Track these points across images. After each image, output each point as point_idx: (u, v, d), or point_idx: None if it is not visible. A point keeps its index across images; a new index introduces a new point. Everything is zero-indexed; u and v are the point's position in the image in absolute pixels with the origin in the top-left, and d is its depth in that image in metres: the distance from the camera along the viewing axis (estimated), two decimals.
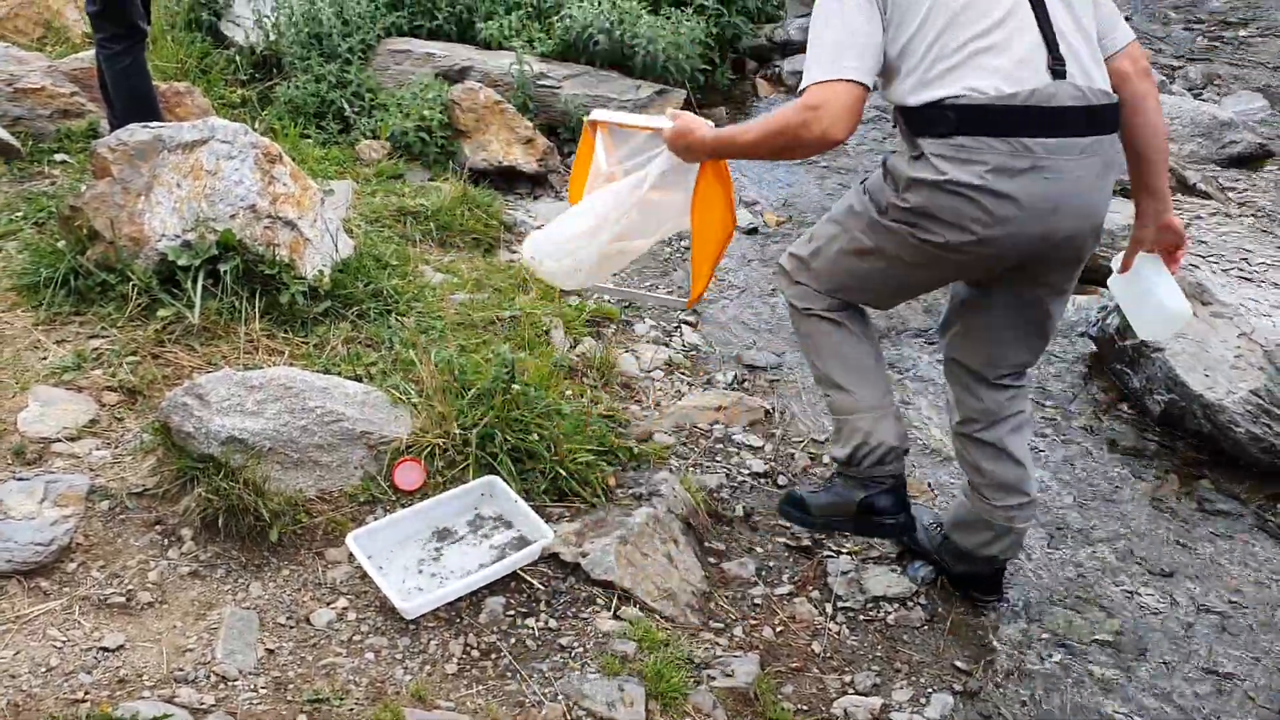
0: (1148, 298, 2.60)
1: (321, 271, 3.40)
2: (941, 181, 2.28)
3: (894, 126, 2.49)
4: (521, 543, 2.66)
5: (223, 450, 2.66)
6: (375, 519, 2.69)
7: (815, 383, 2.78)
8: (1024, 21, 2.27)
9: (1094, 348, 3.87)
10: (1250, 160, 5.26)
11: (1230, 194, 4.96)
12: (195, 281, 3.21)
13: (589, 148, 2.84)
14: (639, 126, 2.78)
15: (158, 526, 2.59)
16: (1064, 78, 2.25)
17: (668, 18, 5.62)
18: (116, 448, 2.79)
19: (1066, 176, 2.27)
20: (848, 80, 2.26)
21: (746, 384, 3.78)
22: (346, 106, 5.02)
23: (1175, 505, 3.28)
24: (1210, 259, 4.43)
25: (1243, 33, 6.82)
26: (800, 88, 2.33)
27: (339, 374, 3.02)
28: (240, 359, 3.11)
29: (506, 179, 4.93)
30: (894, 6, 2.30)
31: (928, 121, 2.28)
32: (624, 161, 2.77)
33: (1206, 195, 4.89)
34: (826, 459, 3.22)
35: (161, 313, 3.16)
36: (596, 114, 2.87)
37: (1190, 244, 4.51)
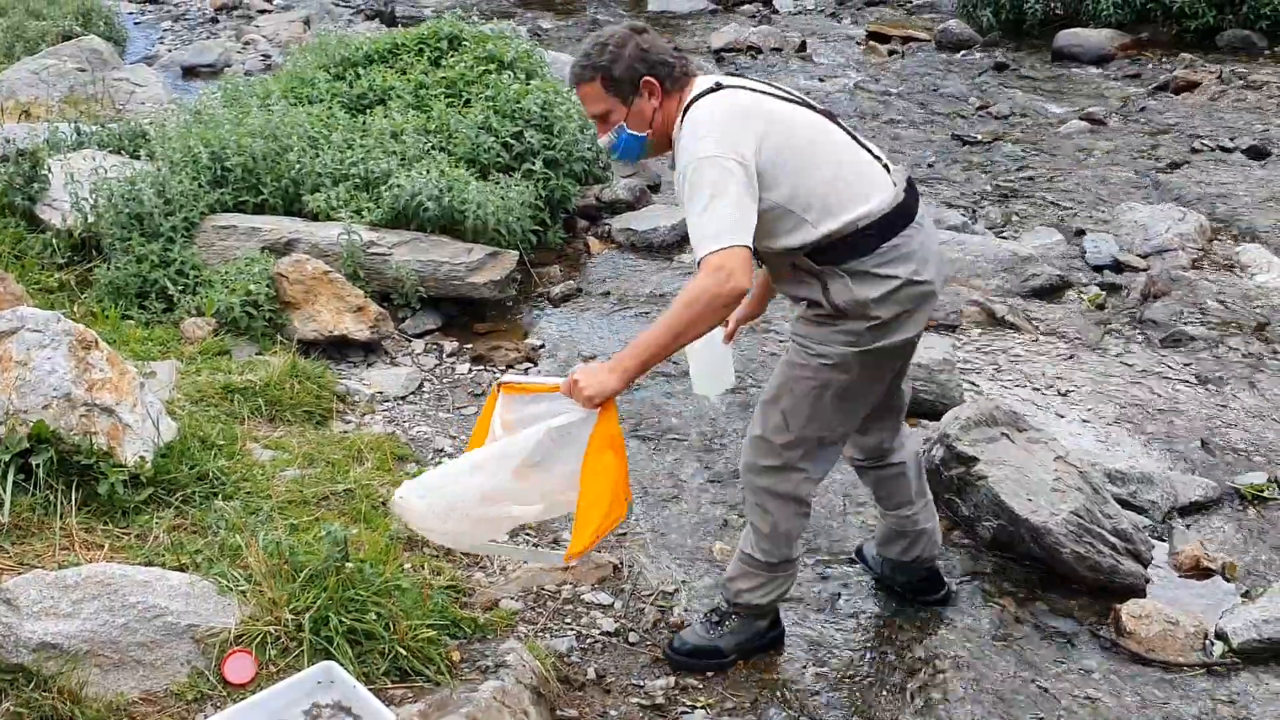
0: (721, 363, 3.28)
1: (143, 457, 3.28)
2: (904, 282, 2.70)
3: (793, 272, 2.80)
4: None
5: (34, 658, 2.50)
6: (205, 718, 2.54)
7: (758, 545, 3.02)
8: (855, 146, 2.82)
9: None
10: (1051, 291, 5.61)
11: (1036, 324, 5.27)
12: (5, 477, 3.05)
13: (490, 410, 2.82)
14: (546, 388, 2.78)
15: None
16: (889, 172, 2.82)
17: (496, 183, 5.74)
18: None
19: (933, 242, 2.85)
20: (743, 245, 2.57)
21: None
22: (170, 285, 4.92)
23: (1014, 628, 3.36)
24: (1022, 386, 4.67)
25: (1033, 174, 7.35)
26: (701, 252, 2.59)
27: (162, 565, 2.89)
28: (55, 556, 2.94)
29: (339, 348, 4.88)
30: (772, 165, 2.65)
31: (851, 246, 2.68)
32: (519, 427, 2.73)
33: (1015, 326, 5.18)
34: (721, 600, 3.23)
35: None
36: (506, 378, 2.87)
37: (1003, 373, 4.76)
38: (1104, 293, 5.59)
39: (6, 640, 2.50)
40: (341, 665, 2.64)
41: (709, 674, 3.12)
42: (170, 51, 10.77)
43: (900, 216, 2.74)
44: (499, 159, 6.03)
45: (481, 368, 4.93)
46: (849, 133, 2.86)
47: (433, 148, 5.93)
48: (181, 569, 2.89)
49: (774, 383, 2.93)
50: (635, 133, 2.80)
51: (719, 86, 2.77)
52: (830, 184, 2.69)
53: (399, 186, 5.40)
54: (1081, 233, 6.28)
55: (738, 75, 2.85)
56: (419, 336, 5.18)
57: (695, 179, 2.60)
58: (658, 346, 2.65)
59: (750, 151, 2.62)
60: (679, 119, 2.75)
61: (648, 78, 2.74)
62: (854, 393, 2.85)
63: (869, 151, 2.84)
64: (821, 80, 9.69)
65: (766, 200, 2.65)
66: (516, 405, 2.80)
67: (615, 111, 2.78)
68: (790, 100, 2.84)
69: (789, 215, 2.67)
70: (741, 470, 3.06)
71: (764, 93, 2.81)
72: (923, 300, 2.78)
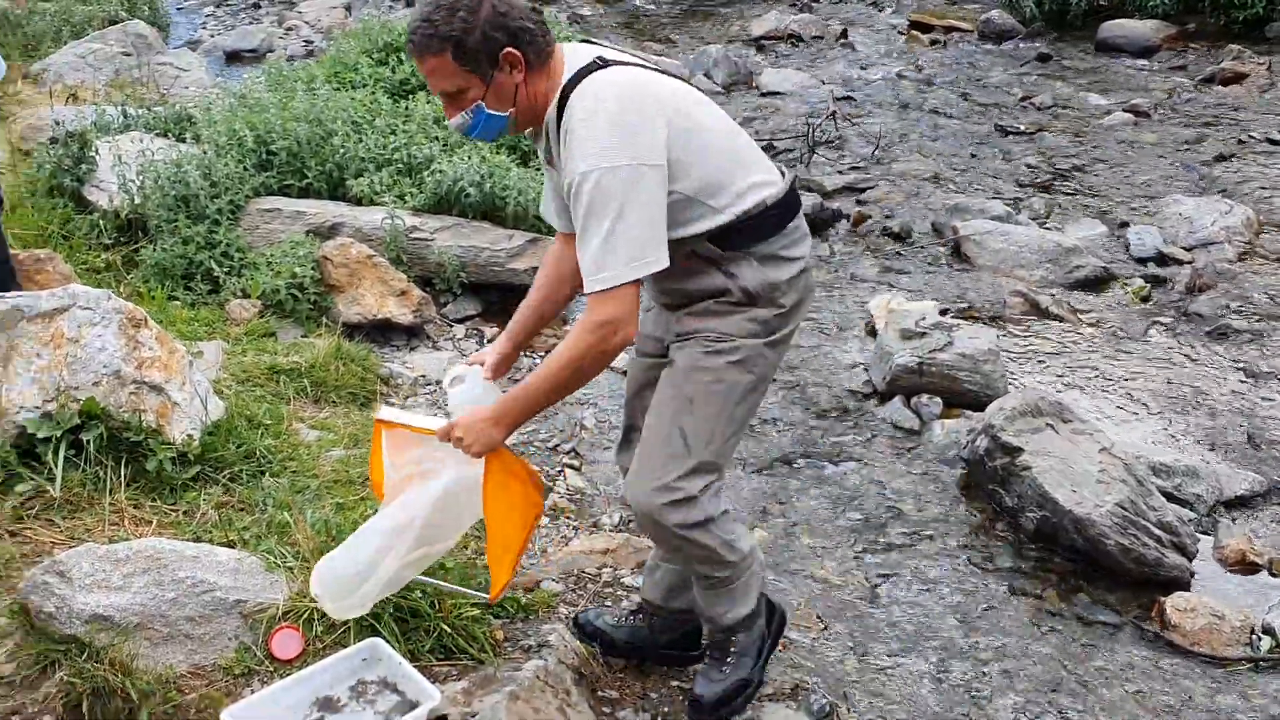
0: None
1: (191, 435, 3.31)
2: (805, 266, 2.51)
3: (690, 261, 2.46)
4: (408, 706, 2.56)
5: (87, 629, 2.53)
6: (252, 691, 2.57)
7: (709, 572, 2.67)
8: (736, 124, 2.58)
9: (965, 469, 3.98)
10: (1096, 283, 5.56)
11: (1080, 315, 5.22)
12: (56, 453, 3.10)
13: (379, 446, 2.63)
14: (424, 430, 2.54)
15: (15, 717, 2.43)
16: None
17: (537, 169, 5.75)
18: None
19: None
20: (635, 281, 2.26)
21: (633, 524, 3.77)
22: (215, 267, 4.97)
23: (1056, 620, 3.34)
24: (1066, 378, 4.64)
25: (1076, 165, 7.28)
26: (594, 286, 2.27)
27: (210, 541, 2.92)
28: (105, 531, 2.98)
29: (382, 331, 4.92)
30: (681, 154, 2.33)
31: (756, 229, 2.44)
32: (421, 462, 2.55)
33: (1059, 318, 5.14)
34: (712, 635, 2.89)
35: (20, 488, 3.03)
36: (384, 413, 2.63)
37: (1047, 364, 4.72)
38: (1148, 285, 5.54)
39: (60, 611, 2.54)
40: (387, 642, 2.66)
41: None
42: (213, 37, 10.86)
43: (794, 196, 2.54)
44: None
45: (521, 353, 4.94)
46: None
47: None
48: (229, 545, 2.92)
49: (664, 400, 2.53)
50: (496, 113, 2.37)
51: (605, 62, 2.38)
52: (731, 166, 2.44)
53: (441, 172, 5.43)
54: (1125, 225, 6.22)
55: (596, 42, 2.57)
56: (460, 322, 5.21)
57: (600, 193, 2.23)
58: (540, 399, 2.42)
59: (662, 147, 2.30)
60: (556, 99, 2.37)
61: (510, 49, 2.30)
62: (752, 400, 2.56)
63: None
64: (863, 69, 9.63)
65: (673, 193, 2.34)
66: (401, 446, 2.60)
67: (472, 89, 2.33)
68: (670, 75, 2.52)
69: (694, 204, 2.38)
70: (640, 521, 2.61)
71: (648, 67, 2.47)
72: (812, 285, 2.61)
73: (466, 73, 2.31)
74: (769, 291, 2.46)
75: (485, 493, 2.48)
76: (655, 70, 2.48)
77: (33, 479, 3.04)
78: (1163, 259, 5.81)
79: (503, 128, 2.41)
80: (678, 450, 2.47)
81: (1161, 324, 5.16)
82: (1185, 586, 3.43)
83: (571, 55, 2.41)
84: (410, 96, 6.42)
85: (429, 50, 2.29)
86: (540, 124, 2.44)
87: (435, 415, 2.69)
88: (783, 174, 2.56)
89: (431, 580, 2.78)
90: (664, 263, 2.29)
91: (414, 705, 2.55)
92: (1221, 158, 7.29)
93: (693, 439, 2.47)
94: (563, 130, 2.34)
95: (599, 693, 2.92)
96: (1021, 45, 10.34)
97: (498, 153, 5.76)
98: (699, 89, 2.58)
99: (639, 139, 2.27)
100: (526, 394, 2.41)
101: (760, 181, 2.46)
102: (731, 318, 2.47)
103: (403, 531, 2.48)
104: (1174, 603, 3.29)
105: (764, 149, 7.61)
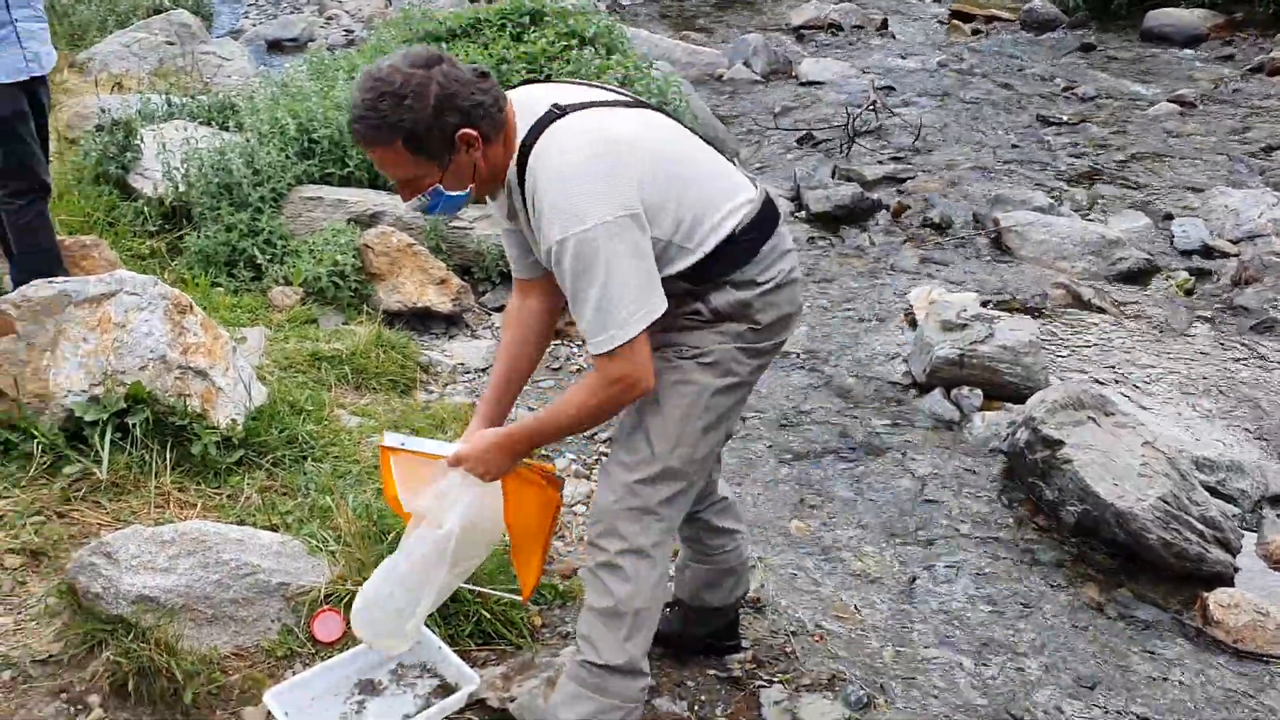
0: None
1: (234, 420, 3.35)
2: (781, 282, 2.39)
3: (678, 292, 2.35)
4: (447, 690, 2.60)
5: (133, 610, 2.58)
6: (294, 674, 2.61)
7: (595, 640, 2.41)
8: (702, 141, 2.45)
9: (1005, 462, 3.95)
10: (1139, 275, 5.51)
11: (1123, 308, 5.17)
12: (103, 436, 3.15)
13: (387, 468, 2.61)
14: (430, 455, 2.51)
15: (63, 695, 2.48)
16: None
17: None
18: (19, 613, 2.68)
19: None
20: (642, 333, 2.16)
21: None
22: (258, 254, 5.02)
23: (1096, 614, 3.32)
24: (1108, 370, 4.59)
25: (1120, 157, 7.20)
26: (599, 349, 2.16)
27: (253, 524, 2.97)
28: (151, 514, 3.03)
29: (422, 319, 4.95)
30: (653, 197, 2.20)
31: (731, 257, 2.32)
32: (434, 485, 2.48)
33: (1101, 310, 5.09)
34: None
35: (67, 470, 3.08)
36: (388, 439, 2.60)
37: (1089, 357, 4.68)
38: (1192, 278, 5.48)
39: (107, 592, 2.58)
40: (427, 627, 2.68)
41: (787, 649, 3.12)
42: (255, 26, 10.96)
43: (768, 214, 2.39)
44: None
45: (559, 342, 4.96)
46: (685, 126, 2.46)
47: None
48: (272, 529, 2.96)
49: (634, 405, 2.40)
50: (455, 193, 2.23)
51: (562, 110, 2.22)
52: (705, 200, 2.30)
53: None
54: (1170, 217, 6.15)
55: (540, 80, 2.35)
56: (498, 310, 5.23)
57: (581, 256, 2.10)
58: (550, 437, 2.42)
59: (636, 194, 2.15)
60: (514, 160, 2.23)
61: (465, 130, 2.14)
62: (725, 408, 2.42)
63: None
64: (904, 58, 9.57)
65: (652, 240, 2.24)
66: (412, 471, 2.56)
67: (428, 176, 2.18)
68: (631, 105, 2.37)
69: (670, 247, 2.26)
70: (592, 522, 2.46)
71: (606, 103, 2.31)
72: (797, 299, 2.48)
73: (420, 160, 2.15)
74: (741, 309, 2.36)
75: (506, 510, 2.48)
76: (615, 105, 2.33)
77: (80, 461, 3.10)
78: (1208, 251, 5.74)
79: (463, 202, 2.28)
80: (641, 452, 2.37)
81: (1205, 317, 5.10)
82: (1228, 582, 3.39)
83: (524, 106, 2.25)
84: None
85: (377, 142, 2.12)
86: (501, 185, 2.30)
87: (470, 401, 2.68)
88: (755, 185, 2.44)
89: (462, 584, 2.78)
90: (663, 305, 2.20)
91: (453, 689, 2.59)
92: (1270, 149, 7.19)
93: (656, 440, 2.36)
94: (528, 191, 2.20)
95: None
96: (1064, 35, 10.24)
97: None
98: (652, 106, 2.46)
99: (611, 189, 2.12)
100: (539, 428, 2.35)
101: (732, 209, 2.33)
102: (701, 332, 2.38)
103: (434, 565, 2.45)
104: (1217, 599, 3.26)
105: (803, 139, 7.52)
